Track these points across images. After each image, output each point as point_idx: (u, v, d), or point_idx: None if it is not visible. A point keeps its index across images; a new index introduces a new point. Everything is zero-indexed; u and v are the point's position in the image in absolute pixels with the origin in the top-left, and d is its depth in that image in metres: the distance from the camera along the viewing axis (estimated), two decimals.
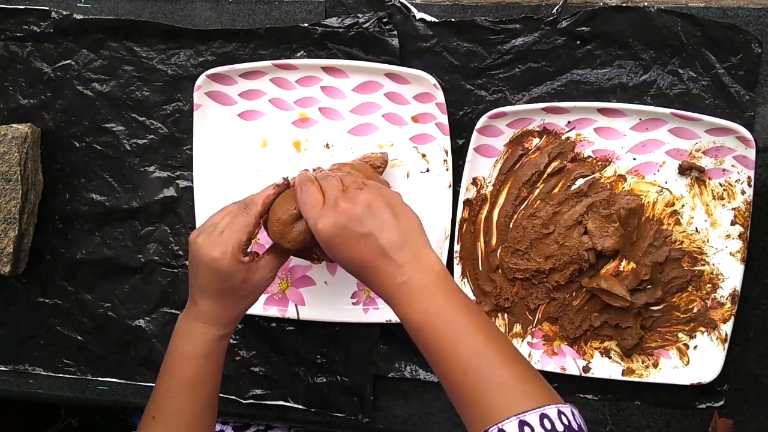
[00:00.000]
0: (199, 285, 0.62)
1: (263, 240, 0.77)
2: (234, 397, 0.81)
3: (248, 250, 0.62)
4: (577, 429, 0.49)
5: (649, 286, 0.73)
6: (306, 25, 0.75)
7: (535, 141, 0.73)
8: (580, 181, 0.73)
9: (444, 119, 0.72)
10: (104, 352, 0.83)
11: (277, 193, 0.64)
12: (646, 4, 0.72)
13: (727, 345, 0.72)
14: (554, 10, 0.73)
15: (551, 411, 0.49)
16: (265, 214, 0.63)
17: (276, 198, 0.64)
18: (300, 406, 0.80)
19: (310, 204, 0.58)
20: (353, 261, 0.57)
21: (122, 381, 0.84)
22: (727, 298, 0.72)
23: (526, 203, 0.74)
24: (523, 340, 0.76)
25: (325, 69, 0.73)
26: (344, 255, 0.57)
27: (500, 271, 0.75)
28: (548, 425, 0.48)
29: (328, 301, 0.77)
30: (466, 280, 0.75)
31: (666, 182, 0.72)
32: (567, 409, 0.50)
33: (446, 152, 0.73)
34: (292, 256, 0.77)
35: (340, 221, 0.56)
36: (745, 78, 0.71)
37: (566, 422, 0.49)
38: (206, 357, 0.62)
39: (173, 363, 0.63)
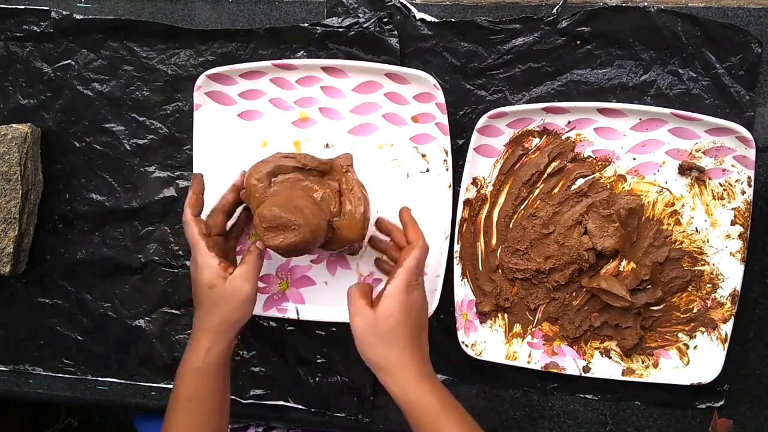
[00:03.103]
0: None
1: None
2: (234, 397, 0.81)
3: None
4: None
5: (649, 286, 0.73)
6: (306, 25, 0.75)
7: (535, 141, 0.73)
8: (580, 181, 0.73)
9: (444, 119, 0.72)
10: (104, 352, 0.83)
11: (234, 197, 0.70)
12: (646, 4, 0.72)
13: (727, 345, 0.72)
14: (554, 10, 0.73)
15: None
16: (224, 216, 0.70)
17: (233, 204, 0.70)
18: (300, 406, 0.80)
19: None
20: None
21: (122, 381, 0.84)
22: (727, 298, 0.72)
23: (526, 203, 0.74)
24: (523, 340, 0.76)
25: (325, 69, 0.73)
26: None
27: (500, 271, 0.75)
28: None
29: (328, 301, 0.77)
30: (466, 280, 0.75)
31: (666, 182, 0.72)
32: None
33: (446, 152, 0.73)
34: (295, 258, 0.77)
35: None
36: (745, 78, 0.71)
37: None
38: (198, 372, 0.65)
39: (175, 378, 0.66)
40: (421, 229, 0.66)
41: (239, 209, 0.73)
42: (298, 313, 0.77)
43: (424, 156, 0.74)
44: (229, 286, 0.65)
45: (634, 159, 0.72)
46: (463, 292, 0.75)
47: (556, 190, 0.74)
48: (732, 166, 0.71)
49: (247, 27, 0.76)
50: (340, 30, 0.74)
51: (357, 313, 0.63)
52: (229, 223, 0.72)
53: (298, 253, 0.65)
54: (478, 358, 0.75)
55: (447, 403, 0.61)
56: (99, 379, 0.84)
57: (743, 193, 0.71)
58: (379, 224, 0.71)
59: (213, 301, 0.65)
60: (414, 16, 0.74)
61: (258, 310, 0.77)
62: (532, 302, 0.75)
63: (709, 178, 0.72)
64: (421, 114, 0.74)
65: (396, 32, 0.73)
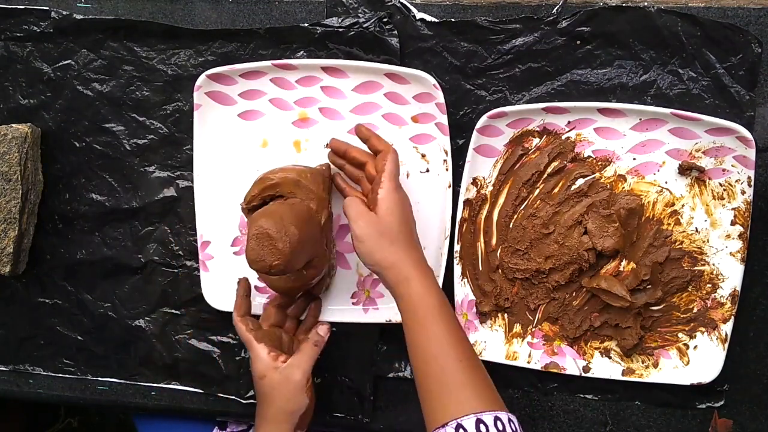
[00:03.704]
0: None
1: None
2: (234, 397, 0.81)
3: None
4: None
5: (649, 286, 0.73)
6: (306, 25, 0.75)
7: (535, 141, 0.73)
8: (580, 181, 0.73)
9: (444, 119, 0.72)
10: (104, 352, 0.83)
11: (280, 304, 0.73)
12: (646, 4, 0.72)
13: (727, 345, 0.72)
14: (554, 10, 0.73)
15: (503, 416, 0.55)
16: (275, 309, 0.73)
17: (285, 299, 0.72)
18: None
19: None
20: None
21: (122, 381, 0.84)
22: (727, 298, 0.72)
23: (526, 203, 0.74)
24: (523, 340, 0.76)
25: (325, 69, 0.73)
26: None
27: (500, 271, 0.75)
28: (500, 426, 0.54)
29: (328, 301, 0.77)
30: (466, 280, 0.75)
31: (666, 182, 0.72)
32: (514, 417, 0.57)
33: (446, 152, 0.73)
34: None
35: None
36: (745, 78, 0.71)
37: (514, 428, 0.55)
38: None
39: None
40: (382, 137, 0.69)
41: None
42: None
43: (424, 156, 0.74)
44: (280, 375, 0.66)
45: (634, 159, 0.72)
46: (463, 292, 0.75)
47: (556, 190, 0.74)
48: (732, 166, 0.71)
49: (247, 27, 0.76)
50: (340, 30, 0.74)
51: (359, 216, 0.63)
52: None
53: (305, 236, 0.64)
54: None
55: (444, 303, 0.62)
56: (99, 379, 0.84)
57: (743, 193, 0.71)
58: (334, 146, 0.71)
59: (265, 392, 0.67)
60: (414, 16, 0.74)
61: (258, 311, 0.77)
62: (532, 302, 0.75)
63: (709, 178, 0.72)
64: (421, 114, 0.74)
65: (396, 32, 0.73)
